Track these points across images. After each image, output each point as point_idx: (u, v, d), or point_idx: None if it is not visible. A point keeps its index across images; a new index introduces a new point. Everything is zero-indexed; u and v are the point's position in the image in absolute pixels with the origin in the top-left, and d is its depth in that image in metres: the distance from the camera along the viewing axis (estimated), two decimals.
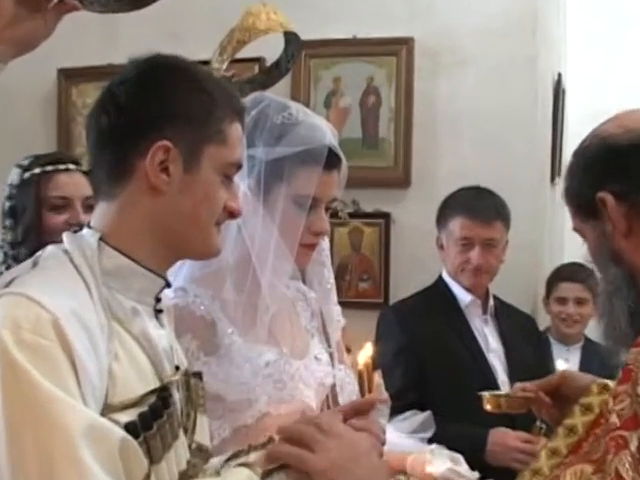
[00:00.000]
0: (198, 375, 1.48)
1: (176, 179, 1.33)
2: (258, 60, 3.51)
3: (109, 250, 1.32)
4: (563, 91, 4.18)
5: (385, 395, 1.86)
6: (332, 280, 2.00)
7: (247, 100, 1.74)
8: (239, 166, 1.43)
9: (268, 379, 1.73)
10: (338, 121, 3.77)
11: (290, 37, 2.42)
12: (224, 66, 2.55)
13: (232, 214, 1.42)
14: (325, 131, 1.78)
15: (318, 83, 3.84)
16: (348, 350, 2.40)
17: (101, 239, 1.32)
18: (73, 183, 2.39)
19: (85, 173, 2.41)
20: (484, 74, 3.62)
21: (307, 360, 1.84)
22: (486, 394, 1.95)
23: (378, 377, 1.89)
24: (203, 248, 1.41)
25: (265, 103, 1.78)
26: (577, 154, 1.46)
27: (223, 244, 1.50)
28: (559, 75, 4.11)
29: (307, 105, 3.71)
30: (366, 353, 1.76)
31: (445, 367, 2.85)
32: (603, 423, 1.26)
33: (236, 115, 1.41)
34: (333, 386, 1.92)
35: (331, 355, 1.94)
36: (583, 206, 1.43)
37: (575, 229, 1.48)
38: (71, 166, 2.42)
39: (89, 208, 2.36)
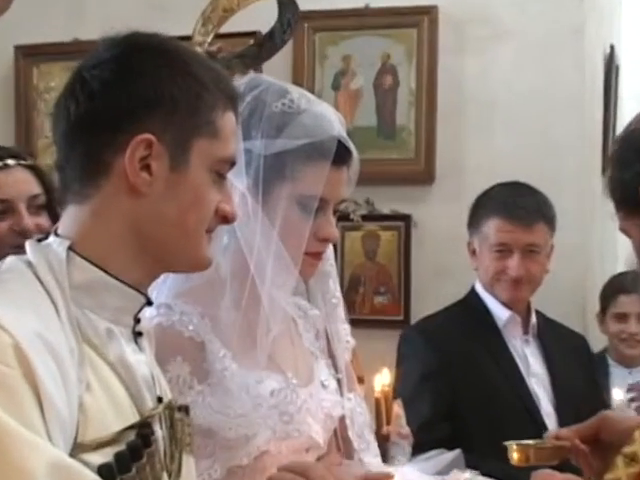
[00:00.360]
0: (184, 409, 1.46)
1: (160, 178, 1.33)
2: (254, 34, 3.52)
3: (80, 261, 1.31)
4: (617, 67, 4.16)
5: (406, 429, 1.85)
6: (338, 293, 1.99)
7: (240, 84, 1.74)
8: (233, 163, 1.43)
9: (273, 411, 1.72)
10: (349, 106, 3.79)
11: (284, 1, 2.43)
12: (209, 39, 2.55)
13: (225, 219, 1.41)
14: (332, 120, 1.78)
15: (325, 62, 3.85)
16: (361, 380, 2.39)
17: (70, 249, 1.31)
18: (13, 181, 2.32)
19: (30, 168, 2.37)
20: (521, 48, 3.63)
21: (312, 387, 1.83)
22: (512, 444, 1.95)
23: (398, 407, 1.89)
24: (192, 260, 1.41)
25: (262, 87, 1.78)
26: (620, 140, 1.46)
27: (214, 254, 1.49)
28: (612, 48, 4.09)
29: (312, 88, 3.72)
30: (383, 379, 1.75)
31: (479, 396, 2.83)
32: None
33: (229, 103, 1.40)
34: (342, 418, 1.91)
35: (339, 381, 1.93)
36: (626, 201, 1.42)
37: (621, 229, 1.48)
38: (10, 161, 2.33)
39: (38, 209, 2.33)
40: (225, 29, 2.98)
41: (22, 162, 2.37)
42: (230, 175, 1.45)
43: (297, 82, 3.71)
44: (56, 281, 1.28)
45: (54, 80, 4.03)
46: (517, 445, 1.93)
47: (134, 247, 1.35)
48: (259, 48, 2.65)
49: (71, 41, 3.96)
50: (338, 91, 3.84)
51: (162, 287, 1.73)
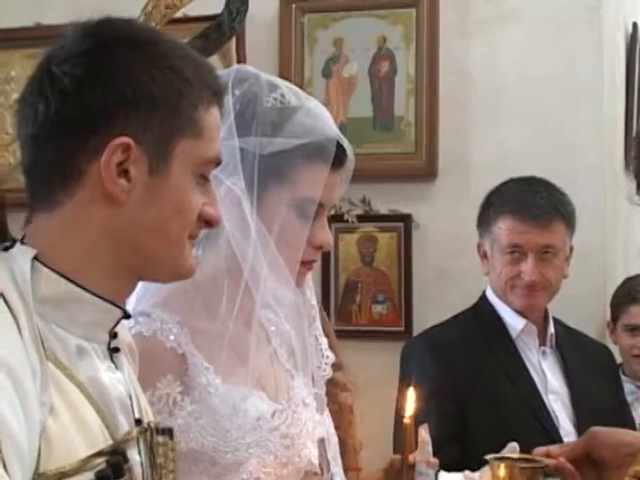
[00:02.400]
0: (168, 432, 1.45)
1: (139, 184, 1.33)
2: (213, 18, 3.47)
3: (47, 273, 1.31)
4: None
5: (434, 458, 1.88)
6: (314, 302, 2.00)
7: (225, 75, 1.77)
8: (218, 162, 1.44)
9: (274, 433, 1.73)
10: (341, 96, 3.77)
11: None
12: None
13: (209, 223, 1.43)
14: (328, 119, 1.83)
15: (314, 47, 3.83)
16: (339, 367, 2.40)
17: (37, 259, 1.31)
18: None
19: None
20: (532, 29, 3.61)
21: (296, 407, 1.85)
22: (492, 459, 1.97)
23: (425, 433, 1.90)
24: (174, 270, 1.42)
25: (250, 81, 1.82)
26: None
27: (196, 262, 1.50)
28: (634, 26, 4.09)
29: (301, 76, 3.71)
30: (411, 402, 1.78)
31: (491, 415, 2.82)
32: None
33: (214, 97, 1.41)
34: (321, 439, 1.93)
35: (319, 399, 1.95)
36: None
37: None
38: None
39: None
40: (181, 13, 2.98)
41: None
42: (222, 175, 1.45)
43: (284, 70, 3.70)
44: (19, 294, 1.27)
45: (15, 69, 4.00)
46: (497, 460, 2.01)
47: (109, 257, 1.35)
48: (205, 40, 2.63)
49: (33, 26, 3.93)
50: (329, 79, 3.82)
51: (143, 295, 1.74)
